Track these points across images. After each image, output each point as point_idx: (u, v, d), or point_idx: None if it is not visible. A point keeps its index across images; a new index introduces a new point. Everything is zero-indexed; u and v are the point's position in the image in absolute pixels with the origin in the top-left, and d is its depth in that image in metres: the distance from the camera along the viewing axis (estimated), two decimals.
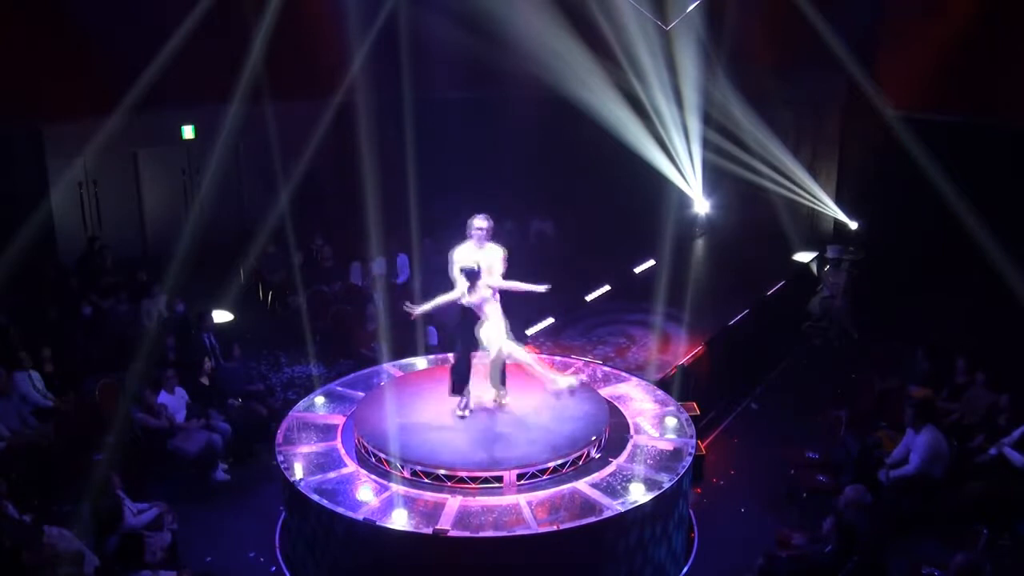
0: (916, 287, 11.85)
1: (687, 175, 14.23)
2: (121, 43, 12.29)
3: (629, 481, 7.00)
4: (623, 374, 9.11)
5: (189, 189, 15.20)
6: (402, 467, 7.10)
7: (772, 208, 14.06)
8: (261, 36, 13.05)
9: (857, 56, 12.70)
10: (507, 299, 7.67)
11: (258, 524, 8.11)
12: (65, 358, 10.14)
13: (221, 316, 11.72)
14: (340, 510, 6.64)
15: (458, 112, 15.32)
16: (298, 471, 7.19)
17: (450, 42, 13.68)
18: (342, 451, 7.53)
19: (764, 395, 10.73)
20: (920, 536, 7.51)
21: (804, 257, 13.89)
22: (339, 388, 8.79)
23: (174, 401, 9.16)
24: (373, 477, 7.11)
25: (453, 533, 6.36)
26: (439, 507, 6.68)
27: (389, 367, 9.31)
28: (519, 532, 6.40)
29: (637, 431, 7.80)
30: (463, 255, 7.48)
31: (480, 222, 7.48)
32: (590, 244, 14.68)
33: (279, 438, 7.71)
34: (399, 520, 6.54)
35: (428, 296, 7.84)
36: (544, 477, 7.02)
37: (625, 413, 8.12)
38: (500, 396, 7.95)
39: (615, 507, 6.62)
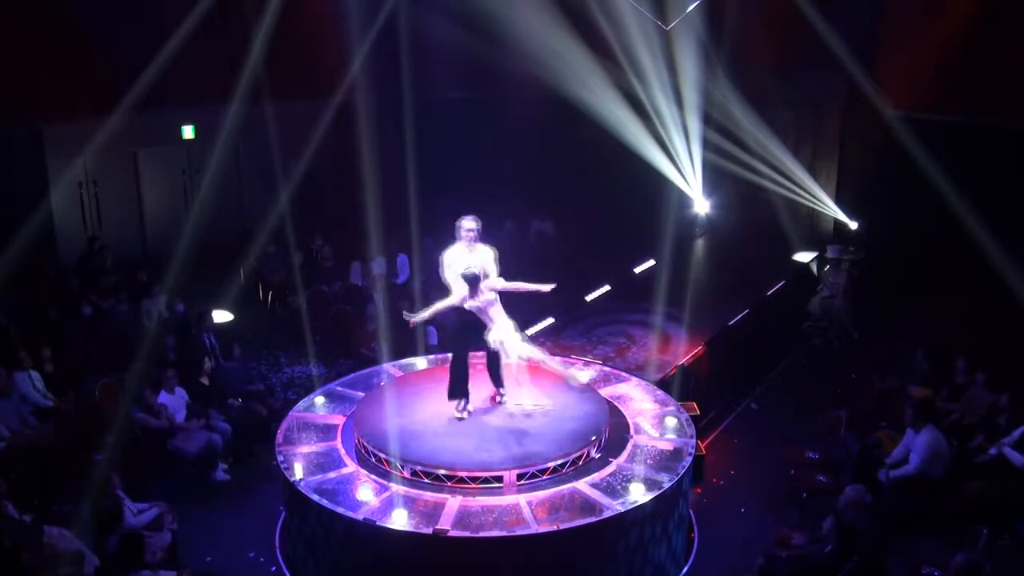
0: (916, 287, 11.85)
1: (687, 175, 14.23)
2: (121, 43, 12.29)
3: (629, 481, 7.00)
4: (623, 374, 9.11)
5: (189, 189, 15.20)
6: (402, 467, 7.10)
7: (772, 208, 14.06)
8: (261, 36, 13.04)
9: (857, 56, 12.70)
10: (506, 299, 7.68)
11: (258, 524, 8.11)
12: (65, 358, 10.14)
13: (221, 316, 11.72)
14: (340, 510, 6.64)
15: (458, 112, 15.32)
16: (298, 471, 7.19)
17: (450, 42, 13.68)
18: (342, 451, 7.53)
19: (764, 395, 10.73)
20: (920, 536, 7.51)
21: (804, 257, 13.89)
22: (339, 388, 8.79)
23: (174, 401, 9.16)
24: (373, 477, 7.11)
25: (453, 533, 6.36)
26: (439, 507, 6.68)
27: (389, 367, 9.31)
28: (519, 532, 6.40)
29: (637, 431, 7.80)
30: (455, 258, 7.47)
31: (470, 223, 7.48)
32: (590, 244, 14.67)
33: (279, 438, 7.71)
34: (399, 520, 6.54)
35: (428, 297, 7.85)
36: (544, 477, 7.02)
37: (625, 413, 8.11)
38: (500, 395, 7.96)
39: (615, 507, 6.62)
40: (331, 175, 15.17)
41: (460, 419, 7.66)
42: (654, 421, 8.01)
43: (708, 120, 14.05)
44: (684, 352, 10.64)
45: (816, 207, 14.10)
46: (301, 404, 8.45)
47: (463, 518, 6.56)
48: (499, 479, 6.94)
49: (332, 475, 7.17)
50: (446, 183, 13.68)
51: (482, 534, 6.39)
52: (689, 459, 7.31)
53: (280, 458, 7.39)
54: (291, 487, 7.05)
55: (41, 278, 12.03)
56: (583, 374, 7.69)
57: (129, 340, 10.47)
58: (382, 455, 7.23)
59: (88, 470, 7.89)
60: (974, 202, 10.94)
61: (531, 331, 10.81)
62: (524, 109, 15.09)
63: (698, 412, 8.77)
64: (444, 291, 7.66)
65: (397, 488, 6.94)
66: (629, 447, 7.52)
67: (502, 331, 7.54)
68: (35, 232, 11.52)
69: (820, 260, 13.54)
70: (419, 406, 7.96)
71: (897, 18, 12.98)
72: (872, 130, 13.22)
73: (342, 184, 14.62)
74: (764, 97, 13.77)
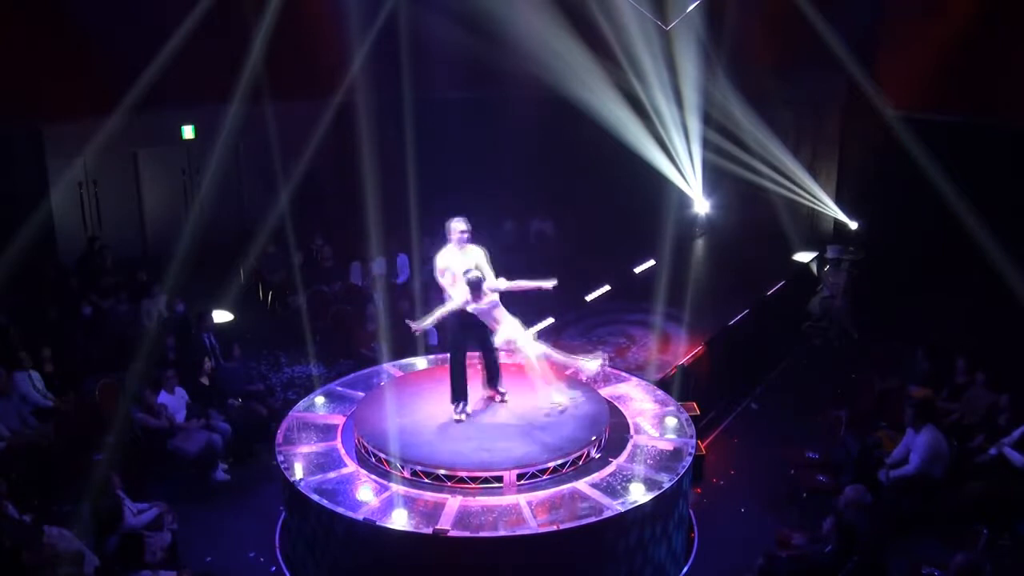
0: (916, 287, 11.85)
1: (687, 175, 14.23)
2: (121, 43, 12.29)
3: (629, 481, 7.00)
4: (623, 374, 9.11)
5: (189, 189, 15.21)
6: (402, 467, 7.10)
7: (772, 208, 14.06)
8: (261, 36, 13.04)
9: (857, 56, 12.70)
10: (505, 299, 7.68)
11: (258, 524, 8.11)
12: (65, 358, 10.14)
13: (221, 316, 11.72)
14: (340, 510, 6.64)
15: (458, 112, 15.33)
16: (298, 471, 7.19)
17: (450, 42, 13.68)
18: (342, 451, 7.53)
19: (764, 395, 10.73)
20: (920, 536, 7.51)
21: (804, 257, 13.89)
22: (339, 388, 8.79)
23: (174, 401, 9.16)
24: (373, 477, 7.11)
25: (453, 533, 6.36)
26: (439, 507, 6.68)
27: (389, 367, 9.31)
28: (519, 532, 6.40)
29: (637, 431, 7.80)
30: (449, 260, 7.45)
31: (462, 225, 7.48)
32: (590, 244, 14.68)
33: (279, 438, 7.71)
34: (399, 520, 6.54)
35: (428, 297, 7.85)
36: (544, 477, 7.02)
37: (625, 413, 8.12)
38: (502, 396, 7.96)
39: (615, 507, 6.62)
40: (331, 175, 15.17)
41: (458, 421, 7.65)
42: (654, 421, 8.01)
43: (708, 120, 14.06)
44: (684, 352, 10.65)
45: (816, 207, 14.10)
46: (301, 404, 8.45)
47: (463, 518, 6.56)
48: (499, 479, 6.94)
49: (332, 475, 7.17)
50: (446, 183, 13.67)
51: (482, 534, 6.39)
52: (689, 459, 7.31)
53: (280, 458, 7.39)
54: (291, 487, 7.05)
55: (41, 278, 12.03)
56: (593, 363, 7.74)
57: (129, 340, 10.47)
58: (382, 455, 7.23)
59: (88, 470, 7.89)
60: (974, 202, 10.94)
61: (531, 331, 10.81)
62: (524, 109, 15.10)
63: (698, 412, 8.77)
64: (444, 292, 7.66)
65: (397, 488, 6.94)
66: (629, 447, 7.52)
67: (510, 330, 7.55)
68: (35, 232, 11.52)
69: (820, 260, 13.53)
70: (419, 406, 7.96)
71: (897, 18, 12.99)
72: (872, 130, 13.22)
73: (342, 184, 14.62)
74: (764, 97, 13.77)
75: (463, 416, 7.69)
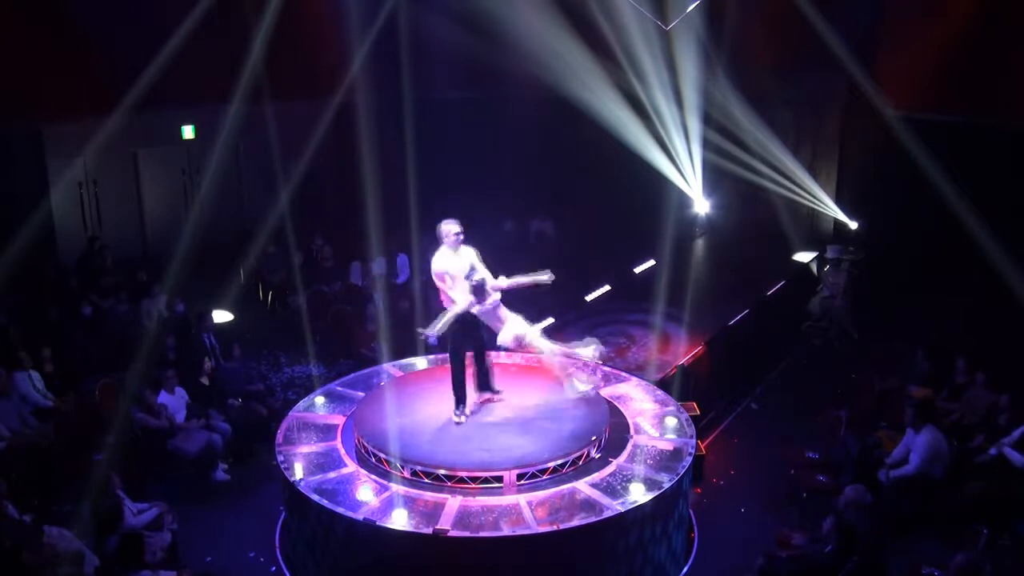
0: (916, 287, 11.85)
1: (687, 175, 14.23)
2: (121, 43, 12.29)
3: (629, 481, 7.00)
4: (623, 374, 9.11)
5: (189, 189, 15.20)
6: (402, 467, 7.10)
7: (772, 208, 14.06)
8: (261, 36, 13.04)
9: (857, 56, 12.70)
10: (505, 299, 7.68)
11: (258, 524, 8.11)
12: (65, 358, 10.14)
13: (221, 316, 11.72)
14: (340, 510, 6.64)
15: (458, 112, 15.32)
16: (298, 471, 7.19)
17: (450, 42, 13.67)
18: (342, 451, 7.53)
19: (764, 395, 10.73)
20: (920, 536, 7.51)
21: (804, 257, 13.89)
22: (339, 388, 8.79)
23: (174, 401, 9.16)
24: (373, 477, 7.11)
25: (453, 533, 6.36)
26: (439, 507, 6.68)
27: (389, 367, 9.31)
28: (519, 532, 6.40)
29: (637, 431, 7.80)
30: (446, 263, 7.41)
31: (456, 227, 7.44)
32: (590, 244, 14.68)
33: (279, 438, 7.71)
34: (399, 520, 6.54)
35: (428, 297, 7.85)
36: (544, 477, 7.02)
37: (625, 413, 8.11)
38: (496, 395, 7.97)
39: (615, 507, 6.62)
40: (331, 175, 15.17)
41: (458, 423, 7.64)
42: (654, 421, 8.01)
43: (708, 120, 14.06)
44: (684, 352, 10.65)
45: (816, 207, 14.11)
46: (301, 404, 8.45)
47: (463, 518, 6.56)
48: (499, 479, 6.94)
49: (332, 475, 7.17)
50: (446, 183, 13.67)
51: (482, 534, 6.40)
52: (689, 459, 7.31)
53: (280, 458, 7.39)
54: (291, 487, 7.05)
55: (41, 278, 12.03)
56: (587, 349, 7.80)
57: (129, 340, 10.48)
58: (382, 455, 7.23)
59: (88, 470, 7.89)
60: (974, 202, 10.95)
61: (536, 326, 10.81)
62: (524, 109, 15.10)
63: (698, 412, 8.76)
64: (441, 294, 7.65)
65: (397, 488, 6.94)
66: (629, 447, 7.52)
67: (517, 327, 7.56)
68: (35, 232, 11.52)
69: (820, 260, 13.54)
70: (419, 406, 7.96)
71: (897, 18, 12.98)
72: (872, 130, 13.22)
73: (342, 184, 14.62)
74: (764, 97, 13.77)
75: (463, 418, 7.68)
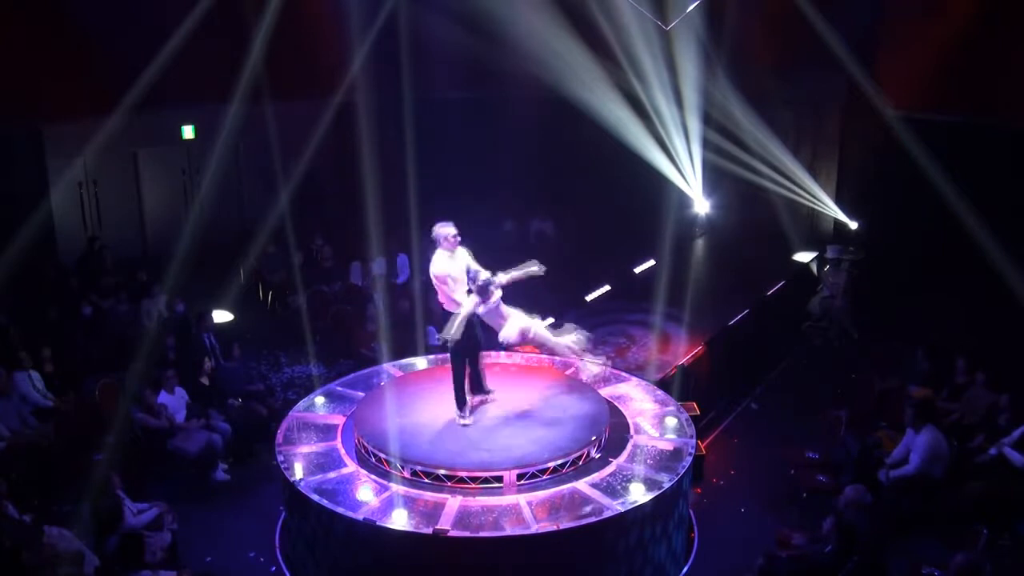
0: (916, 287, 11.85)
1: (687, 175, 14.23)
2: (121, 43, 12.28)
3: (629, 481, 7.00)
4: (623, 374, 9.11)
5: (189, 189, 15.20)
6: (402, 467, 7.10)
7: (772, 208, 14.06)
8: (261, 36, 13.04)
9: (857, 56, 12.70)
10: (504, 298, 7.68)
11: (258, 524, 8.11)
12: (65, 358, 10.14)
13: (221, 316, 11.73)
14: (340, 510, 6.64)
15: (458, 112, 15.33)
16: (298, 471, 7.19)
17: (450, 42, 13.67)
18: (342, 451, 7.53)
19: (764, 395, 10.73)
20: (920, 536, 7.51)
21: (804, 257, 13.90)
22: (339, 388, 8.79)
23: (174, 401, 9.16)
24: (373, 477, 7.11)
25: (453, 533, 6.36)
26: (439, 507, 6.68)
27: (389, 367, 9.31)
28: (519, 532, 6.40)
29: (637, 431, 7.80)
30: (447, 266, 7.40)
31: (452, 228, 7.44)
32: (590, 244, 14.68)
33: (279, 438, 7.71)
34: (399, 520, 6.54)
35: (428, 297, 7.82)
36: (544, 477, 7.02)
37: (625, 413, 8.11)
38: (490, 396, 7.97)
39: (615, 507, 6.62)
40: (331, 175, 15.18)
41: (464, 426, 7.62)
42: (654, 421, 8.01)
43: (708, 120, 14.05)
44: (684, 352, 10.65)
45: (816, 207, 14.11)
46: (301, 404, 8.45)
47: (463, 518, 6.56)
48: (499, 479, 6.94)
49: (332, 475, 7.17)
50: (446, 183, 13.68)
51: (482, 534, 6.40)
52: (689, 459, 7.31)
53: (280, 458, 7.39)
54: (291, 487, 7.05)
55: (41, 278, 12.03)
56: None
57: (129, 340, 10.48)
58: (382, 455, 7.23)
59: (88, 470, 7.90)
60: (974, 202, 10.94)
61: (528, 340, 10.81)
62: (524, 109, 15.10)
63: (698, 412, 8.76)
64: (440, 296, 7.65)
65: (397, 488, 6.94)
66: (629, 447, 7.52)
67: (521, 321, 7.58)
68: (35, 232, 11.51)
69: (820, 260, 13.54)
70: (419, 406, 7.96)
71: (897, 18, 12.99)
72: (872, 130, 13.22)
73: (342, 184, 14.63)
74: (764, 97, 13.77)
75: (470, 420, 7.66)
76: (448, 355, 7.89)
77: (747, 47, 13.74)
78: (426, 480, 6.99)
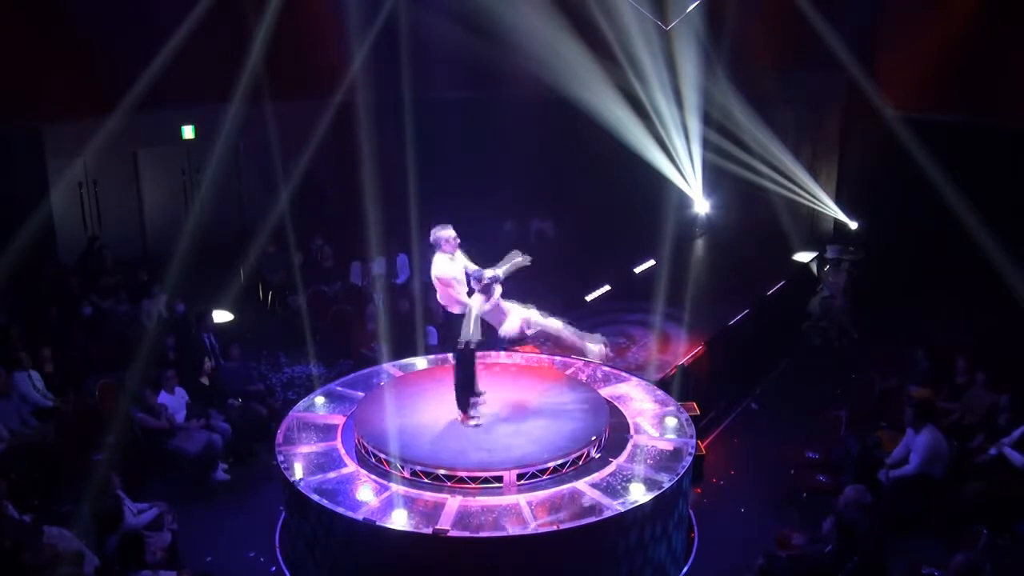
0: (916, 287, 11.85)
1: (687, 175, 14.22)
2: (121, 43, 12.28)
3: (629, 481, 7.00)
4: (623, 374, 9.11)
5: (189, 189, 15.19)
6: (402, 467, 7.10)
7: (772, 208, 14.06)
8: (261, 36, 13.04)
9: (857, 56, 12.70)
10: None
11: (258, 524, 8.12)
12: (65, 358, 10.14)
13: (221, 316, 11.73)
14: (340, 510, 6.64)
15: (458, 112, 15.32)
16: (298, 471, 7.19)
17: (450, 42, 13.67)
18: (342, 451, 7.53)
19: (764, 395, 10.73)
20: (920, 536, 7.51)
21: (804, 257, 13.89)
22: (339, 388, 8.79)
23: (174, 401, 9.16)
24: (373, 477, 7.11)
25: (453, 533, 6.36)
26: (439, 507, 6.68)
27: (389, 367, 9.31)
28: (519, 532, 6.40)
29: (637, 431, 7.80)
30: (452, 269, 7.41)
31: (452, 231, 7.45)
32: (590, 244, 14.67)
33: (279, 438, 7.71)
34: (399, 520, 6.54)
35: (428, 297, 7.81)
36: (544, 477, 7.02)
37: (625, 413, 8.11)
38: (479, 400, 7.95)
39: (615, 507, 6.62)
40: (331, 175, 15.17)
41: (477, 426, 7.58)
42: (654, 421, 8.01)
43: (708, 120, 14.04)
44: (684, 352, 10.63)
45: (816, 207, 14.10)
46: (301, 404, 8.45)
47: (463, 518, 6.56)
48: (499, 479, 6.93)
49: (332, 475, 7.17)
50: (446, 183, 13.67)
51: (482, 534, 6.39)
52: (689, 459, 7.30)
53: (280, 458, 7.39)
54: (291, 487, 7.05)
55: (41, 278, 12.02)
56: (598, 345, 7.84)
57: (129, 340, 10.48)
58: (382, 455, 7.23)
59: (88, 470, 7.91)
60: (974, 202, 10.94)
61: (531, 331, 10.80)
62: (524, 109, 15.07)
63: (698, 412, 8.75)
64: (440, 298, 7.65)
65: (397, 488, 6.94)
66: (629, 447, 7.52)
67: (522, 312, 7.60)
68: (35, 232, 11.50)
69: (820, 260, 13.54)
70: (419, 406, 7.96)
71: (897, 18, 12.99)
72: (872, 130, 13.20)
73: (342, 184, 14.62)
74: (764, 97, 13.76)
75: (481, 420, 7.63)
76: (452, 356, 7.89)
77: (747, 47, 13.73)
78: (426, 480, 6.99)
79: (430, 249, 7.65)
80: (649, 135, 13.93)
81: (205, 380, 9.80)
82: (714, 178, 14.57)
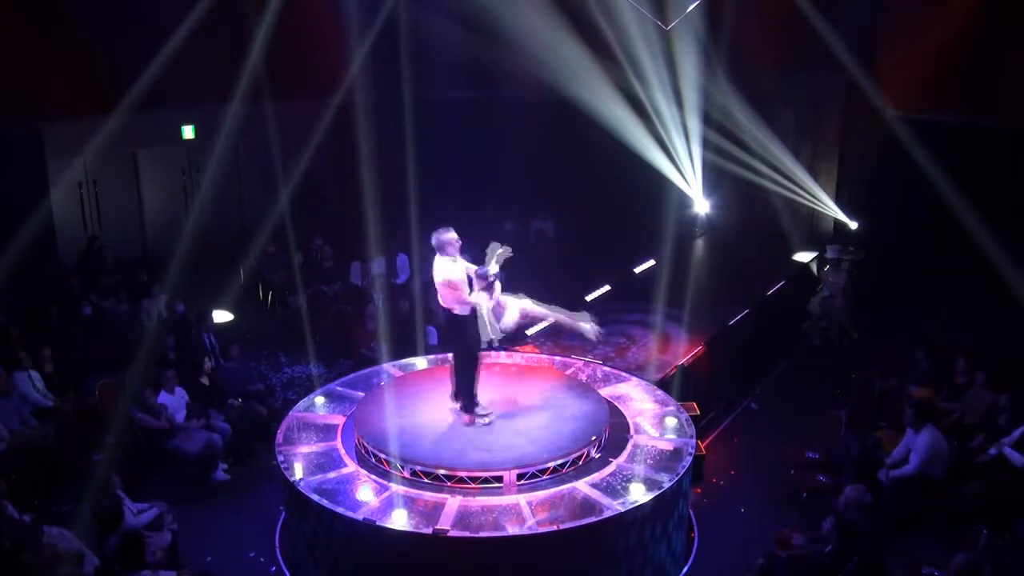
0: (916, 287, 11.85)
1: (687, 175, 14.22)
2: (121, 43, 12.28)
3: (629, 481, 7.00)
4: (623, 374, 9.11)
5: (189, 189, 15.19)
6: (402, 467, 7.10)
7: (772, 208, 14.06)
8: (261, 36, 13.04)
9: (857, 56, 12.70)
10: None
11: (258, 524, 8.12)
12: (65, 358, 10.14)
13: (221, 316, 11.73)
14: (340, 510, 6.64)
15: (458, 112, 15.32)
16: (298, 471, 7.19)
17: (450, 42, 13.67)
18: (342, 451, 7.54)
19: (764, 395, 10.73)
20: (920, 536, 7.51)
21: (804, 257, 13.89)
22: (339, 388, 8.79)
23: (174, 401, 9.16)
24: (373, 477, 7.11)
25: (453, 533, 6.36)
26: (439, 507, 6.68)
27: (389, 367, 9.31)
28: (519, 532, 6.40)
29: (637, 431, 7.80)
30: (453, 271, 7.39)
31: (454, 234, 7.46)
32: (590, 244, 14.67)
33: (279, 438, 7.71)
34: (399, 520, 6.54)
35: (428, 297, 7.81)
36: (544, 477, 7.02)
37: (625, 413, 8.12)
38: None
39: (615, 507, 6.62)
40: (331, 175, 15.17)
41: (489, 424, 7.59)
42: (654, 421, 8.01)
43: (708, 120, 14.04)
44: (684, 352, 10.63)
45: (816, 207, 14.10)
46: (301, 404, 8.45)
47: (463, 518, 6.56)
48: (499, 479, 6.94)
49: (332, 475, 7.17)
50: (446, 183, 13.67)
51: (482, 534, 6.40)
52: (689, 459, 7.31)
53: (280, 458, 7.39)
54: (291, 487, 7.05)
55: (41, 278, 12.02)
56: (588, 323, 7.86)
57: (129, 340, 10.48)
58: (382, 455, 7.23)
59: (88, 470, 7.90)
60: (974, 202, 10.94)
61: (532, 331, 10.82)
62: (524, 109, 15.07)
63: (698, 412, 8.76)
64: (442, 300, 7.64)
65: (397, 488, 6.94)
66: (629, 447, 7.52)
67: (518, 303, 7.62)
68: (35, 232, 11.50)
69: (820, 260, 13.54)
70: (419, 406, 7.96)
71: (897, 18, 12.99)
72: (872, 130, 13.20)
73: (342, 184, 14.62)
74: (764, 97, 13.76)
75: (493, 417, 7.64)
76: (451, 356, 7.90)
77: (747, 47, 13.73)
78: (426, 480, 6.99)
79: (430, 249, 7.65)
80: (649, 135, 13.93)
81: (205, 380, 9.80)
82: (714, 178, 14.56)
